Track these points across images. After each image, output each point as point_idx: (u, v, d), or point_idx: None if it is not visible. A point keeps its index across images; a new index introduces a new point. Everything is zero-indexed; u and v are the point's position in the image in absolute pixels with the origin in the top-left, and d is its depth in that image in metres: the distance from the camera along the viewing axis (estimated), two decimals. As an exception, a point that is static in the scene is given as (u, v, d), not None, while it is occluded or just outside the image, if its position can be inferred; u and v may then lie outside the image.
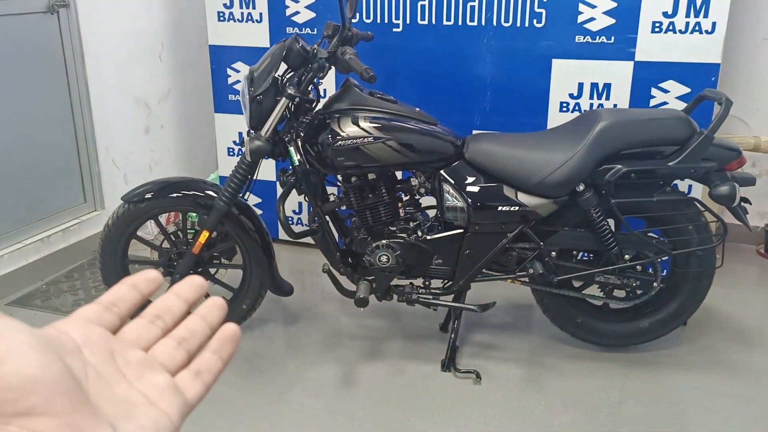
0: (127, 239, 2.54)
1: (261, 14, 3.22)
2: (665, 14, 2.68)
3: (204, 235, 2.43)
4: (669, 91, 2.77)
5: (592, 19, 2.77)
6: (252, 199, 3.38)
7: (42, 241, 3.13)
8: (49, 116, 3.15)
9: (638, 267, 2.43)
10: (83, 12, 3.20)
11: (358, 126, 2.26)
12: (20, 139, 3.02)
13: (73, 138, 3.29)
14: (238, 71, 3.33)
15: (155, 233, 3.05)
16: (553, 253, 2.41)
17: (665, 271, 2.59)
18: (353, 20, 3.02)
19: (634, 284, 2.44)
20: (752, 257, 3.46)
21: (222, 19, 3.28)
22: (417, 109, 2.38)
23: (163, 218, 2.66)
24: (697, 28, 2.66)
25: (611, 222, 2.40)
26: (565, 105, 2.93)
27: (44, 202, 3.18)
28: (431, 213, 2.52)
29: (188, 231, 2.56)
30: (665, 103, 2.78)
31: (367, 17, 3.07)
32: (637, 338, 2.57)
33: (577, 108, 2.91)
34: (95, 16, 3.26)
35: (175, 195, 2.48)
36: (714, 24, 2.64)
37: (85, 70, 3.25)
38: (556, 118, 2.91)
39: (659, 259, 2.40)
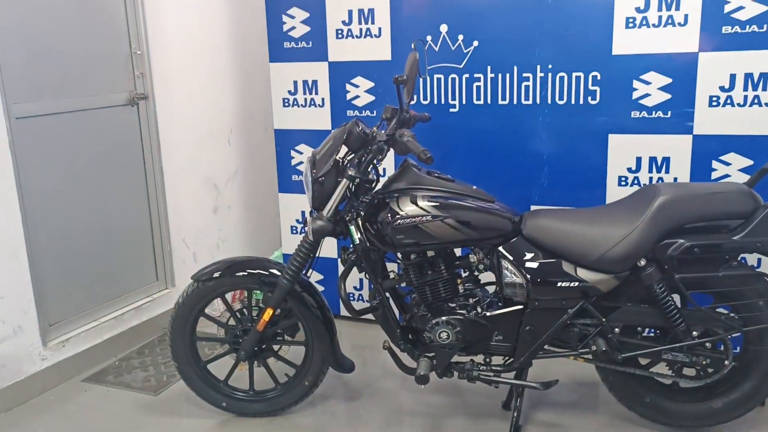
0: (195, 316, 2.63)
1: (323, 99, 3.38)
2: (722, 88, 2.69)
3: (268, 313, 2.50)
4: (731, 164, 2.75)
5: (647, 95, 2.80)
6: (314, 276, 3.46)
7: (116, 318, 3.27)
8: (126, 200, 3.34)
9: (708, 344, 2.35)
10: (160, 102, 3.43)
11: (417, 205, 2.32)
12: (99, 222, 3.21)
13: (147, 219, 3.47)
14: (301, 153, 3.48)
15: (222, 310, 3.14)
16: (617, 329, 2.37)
17: (737, 348, 2.50)
18: (411, 102, 3.15)
19: (704, 362, 2.36)
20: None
21: (287, 105, 3.45)
22: (474, 187, 2.43)
23: (229, 296, 2.75)
24: (756, 101, 2.66)
25: (677, 298, 2.36)
26: (623, 179, 2.93)
27: (119, 281, 3.34)
28: (491, 289, 2.53)
29: (253, 308, 2.63)
30: (728, 175, 2.75)
31: (425, 98, 3.18)
32: (709, 419, 2.46)
33: (636, 182, 2.90)
34: (171, 106, 3.49)
35: (241, 274, 2.57)
36: (773, 97, 2.63)
37: (160, 155, 3.45)
38: (614, 193, 2.91)
39: (730, 336, 2.32)
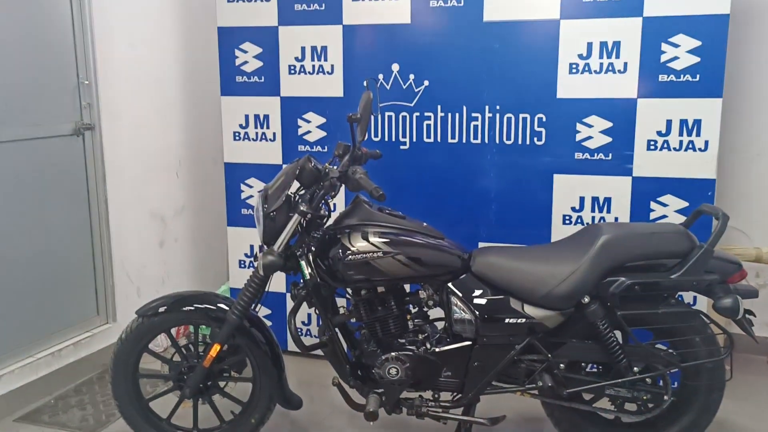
0: (139, 353, 2.56)
1: (275, 133, 3.39)
2: (659, 133, 2.82)
3: (215, 348, 2.46)
4: (668, 205, 2.87)
5: (589, 137, 2.91)
6: (262, 311, 3.42)
7: (53, 354, 3.16)
8: (68, 231, 3.26)
9: (648, 380, 2.42)
10: (107, 133, 3.38)
11: (368, 241, 2.33)
12: (38, 254, 3.11)
13: (89, 252, 3.39)
14: (251, 186, 3.47)
15: (166, 346, 3.07)
16: (562, 365, 2.41)
17: (675, 383, 2.57)
18: (363, 139, 3.19)
19: (645, 397, 2.42)
20: (763, 368, 3.43)
21: (237, 138, 3.45)
22: (424, 224, 2.46)
23: (174, 331, 2.69)
24: (690, 146, 2.79)
25: (619, 334, 2.42)
26: (568, 218, 3.02)
27: (58, 316, 3.23)
28: (440, 325, 2.55)
29: (200, 344, 2.58)
30: (665, 216, 2.87)
31: (376, 135, 3.22)
32: (651, 453, 2.52)
33: (579, 221, 3.00)
34: (118, 137, 3.44)
35: (187, 308, 2.53)
36: (706, 142, 2.77)
37: (105, 187, 3.39)
38: (559, 231, 2.99)
39: (669, 372, 2.40)
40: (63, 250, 3.24)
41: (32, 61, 3.02)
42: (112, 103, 3.40)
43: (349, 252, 2.33)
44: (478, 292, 2.38)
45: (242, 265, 3.57)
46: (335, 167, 2.43)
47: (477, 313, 2.37)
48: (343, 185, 2.40)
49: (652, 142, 2.84)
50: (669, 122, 2.81)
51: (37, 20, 3.03)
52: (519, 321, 2.36)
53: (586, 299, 2.33)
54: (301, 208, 2.35)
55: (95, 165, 3.35)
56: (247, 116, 3.42)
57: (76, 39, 3.21)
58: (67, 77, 3.20)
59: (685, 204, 2.84)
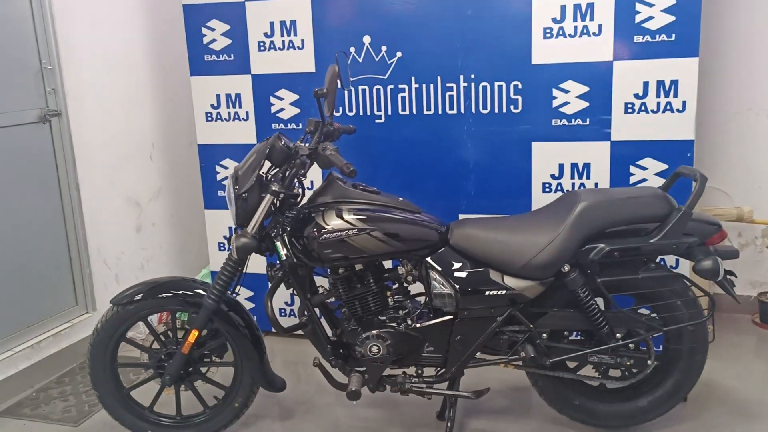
0: (116, 342, 2.53)
1: (247, 112, 3.32)
2: (636, 95, 2.78)
3: (193, 334, 2.42)
4: (647, 168, 2.83)
5: (566, 103, 2.86)
6: (244, 293, 3.39)
7: (33, 347, 3.11)
8: (40, 222, 3.19)
9: (631, 345, 2.41)
10: (74, 119, 3.29)
11: (342, 218, 2.29)
12: (11, 246, 3.05)
13: (64, 241, 3.33)
14: (226, 168, 3.41)
15: (145, 334, 3.03)
16: (544, 335, 2.40)
17: (659, 347, 2.57)
18: (336, 114, 3.13)
19: (629, 363, 2.41)
20: (748, 327, 3.44)
21: (210, 119, 3.38)
22: (400, 198, 2.42)
23: (154, 318, 2.65)
24: (668, 107, 2.75)
25: (601, 301, 2.41)
26: (547, 186, 2.98)
27: (35, 307, 3.18)
28: (421, 300, 2.53)
29: (178, 330, 2.55)
30: (645, 179, 2.84)
31: (350, 110, 3.16)
32: (637, 418, 2.52)
33: (559, 188, 2.96)
34: (86, 122, 3.36)
35: (164, 295, 2.49)
36: (684, 103, 2.73)
37: (76, 174, 3.32)
38: (539, 199, 2.96)
39: (651, 336, 2.39)
40: (37, 241, 3.17)
41: (-9, 48, 2.93)
42: (77, 88, 3.31)
43: (324, 230, 2.29)
44: (457, 266, 2.36)
45: (222, 248, 3.53)
46: (306, 144, 2.38)
47: (457, 286, 2.35)
48: (315, 163, 2.35)
49: (630, 105, 2.80)
50: (646, 84, 2.77)
51: (-6, 5, 2.94)
52: (499, 293, 2.34)
53: (566, 268, 2.31)
54: (273, 188, 2.30)
55: (64, 152, 3.27)
56: (218, 96, 3.34)
57: (36, 22, 3.11)
58: (28, 63, 3.11)
59: (664, 166, 2.81)
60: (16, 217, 3.06)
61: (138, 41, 3.70)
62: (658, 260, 2.45)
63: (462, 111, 3.01)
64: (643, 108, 2.78)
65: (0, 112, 2.97)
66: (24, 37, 3.08)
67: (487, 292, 2.34)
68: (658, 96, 2.75)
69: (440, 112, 3.04)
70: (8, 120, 3.01)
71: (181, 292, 2.50)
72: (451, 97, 3.02)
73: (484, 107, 2.99)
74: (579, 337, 2.51)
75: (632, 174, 2.85)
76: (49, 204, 3.24)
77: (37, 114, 3.14)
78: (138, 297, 2.46)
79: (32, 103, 3.13)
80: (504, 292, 2.33)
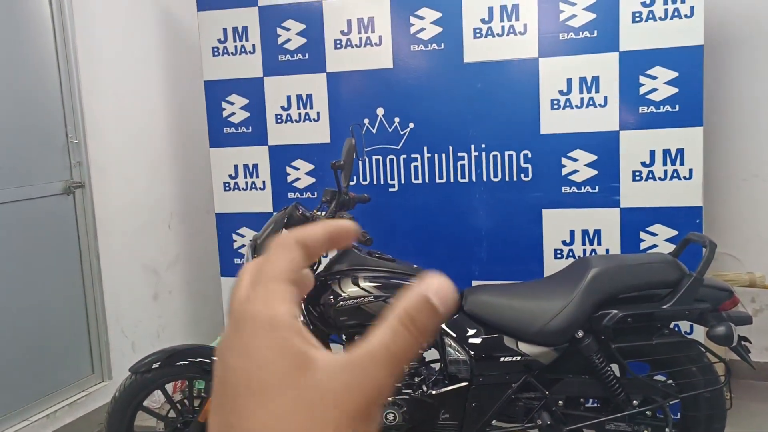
0: (133, 410, 2.53)
1: (264, 182, 3.41)
2: (643, 164, 2.85)
3: (211, 403, 2.43)
4: (657, 234, 2.88)
5: (575, 171, 2.94)
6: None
7: (48, 417, 3.12)
8: (60, 290, 3.25)
9: (648, 413, 2.40)
10: (97, 190, 3.39)
11: (359, 286, 2.33)
12: (31, 315, 3.10)
13: (83, 310, 3.37)
14: (243, 236, 3.48)
15: (161, 402, 3.04)
16: (560, 401, 2.40)
17: (677, 415, 2.55)
18: (351, 184, 3.21)
19: (646, 430, 2.39)
20: (766, 394, 3.39)
21: (228, 188, 3.47)
22: (415, 266, 2.47)
23: (169, 386, 2.67)
24: (675, 175, 2.81)
25: (615, 367, 2.41)
26: (559, 252, 3.02)
27: (52, 376, 3.20)
28: (436, 366, 2.54)
29: (195, 398, 2.56)
30: (655, 245, 2.87)
31: (364, 179, 3.25)
32: (656, 487, 2.48)
33: (571, 254, 3.00)
34: (108, 193, 3.46)
35: (181, 363, 2.51)
36: (691, 170, 2.79)
37: (96, 243, 3.39)
38: (551, 265, 2.99)
39: (668, 404, 2.38)
40: (56, 309, 3.22)
41: (20, 123, 3.05)
42: (101, 160, 3.42)
43: (340, 298, 2.33)
44: (471, 332, 2.38)
45: (237, 315, 3.55)
46: (322, 213, 2.44)
47: (472, 352, 2.36)
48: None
49: (638, 173, 2.87)
50: (652, 152, 2.84)
51: (24, 82, 3.08)
52: (514, 359, 2.35)
53: (580, 334, 2.32)
54: (291, 256, 2.35)
55: (86, 222, 3.36)
56: (236, 166, 3.44)
57: (64, 98, 3.25)
58: (55, 137, 3.23)
59: (674, 232, 2.85)
60: (36, 286, 3.12)
61: (160, 114, 3.85)
62: (672, 326, 2.46)
63: (473, 179, 3.09)
64: (650, 176, 2.85)
65: (27, 184, 3.07)
66: (52, 112, 3.21)
67: (502, 358, 2.36)
68: (665, 164, 2.82)
69: (452, 180, 3.12)
70: (35, 192, 3.11)
71: (198, 359, 2.52)
72: (462, 165, 3.10)
73: (495, 175, 3.06)
74: (595, 404, 2.50)
75: (642, 240, 2.89)
76: (70, 273, 3.31)
77: (61, 186, 3.25)
78: (156, 365, 2.49)
79: (57, 175, 3.24)
80: (519, 358, 2.34)
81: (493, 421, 2.43)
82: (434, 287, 0.38)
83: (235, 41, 3.33)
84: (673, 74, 2.77)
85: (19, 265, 3.04)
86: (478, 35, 3.00)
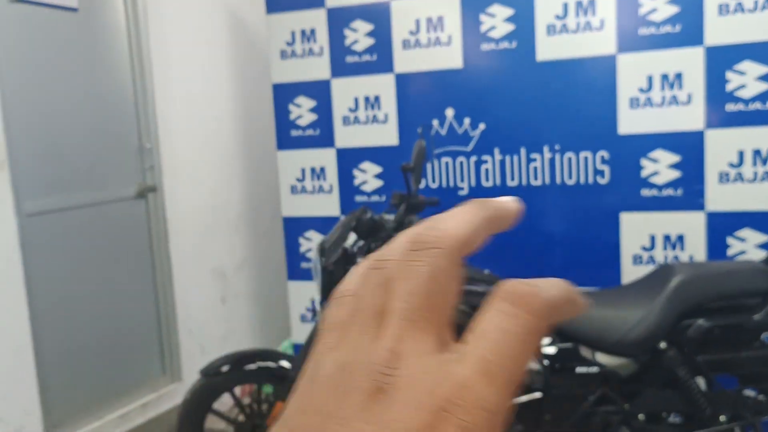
0: (203, 413, 2.54)
1: (331, 185, 3.39)
2: (731, 165, 2.68)
3: (279, 407, 2.42)
4: (746, 240, 2.70)
5: (656, 173, 2.79)
6: (326, 365, 3.38)
7: (121, 417, 3.18)
8: (133, 292, 3.31)
9: (737, 429, 2.25)
10: (169, 193, 3.45)
11: (428, 291, 2.27)
12: (106, 316, 3.16)
13: (154, 312, 3.43)
14: (309, 240, 3.46)
15: (230, 405, 3.05)
16: (641, 416, 2.27)
17: (768, 432, 2.38)
18: (420, 187, 3.15)
19: (735, 449, 2.25)
20: None
21: (295, 192, 3.46)
22: (486, 271, 2.39)
23: (238, 390, 2.67)
24: (766, 176, 2.64)
25: (701, 380, 2.27)
26: (638, 258, 2.88)
27: (125, 377, 3.26)
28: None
29: (263, 403, 2.55)
30: (744, 252, 2.70)
31: (433, 182, 3.18)
32: None
33: (651, 260, 2.86)
34: (179, 196, 3.51)
35: (250, 367, 2.51)
36: (783, 171, 2.61)
37: (168, 246, 3.44)
38: (630, 272, 2.86)
39: (760, 420, 2.22)
40: (129, 312, 3.29)
41: (96, 128, 3.12)
42: (173, 164, 3.48)
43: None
44: (545, 341, 2.28)
45: (304, 320, 3.55)
46: (391, 217, 2.39)
47: (546, 362, 2.27)
48: (401, 235, 2.36)
49: (725, 175, 2.70)
50: (741, 153, 2.67)
51: (99, 87, 3.15)
52: (591, 370, 2.24)
53: (663, 345, 2.19)
54: (359, 261, 2.31)
55: (158, 225, 3.42)
56: (303, 169, 3.43)
57: (138, 105, 3.32)
58: (130, 142, 3.30)
59: (765, 238, 2.67)
60: (110, 287, 3.19)
61: (228, 118, 3.88)
62: (762, 338, 2.30)
63: (547, 182, 2.98)
64: (739, 177, 2.68)
65: (102, 188, 3.15)
66: (126, 117, 3.28)
67: (577, 369, 2.25)
68: (754, 165, 2.65)
69: (525, 183, 3.02)
70: (110, 196, 3.18)
71: (266, 364, 2.51)
72: (535, 168, 3.00)
73: (570, 178, 2.95)
74: (678, 420, 2.36)
75: (730, 246, 2.73)
76: (142, 275, 3.37)
77: (135, 190, 3.31)
78: (225, 368, 2.49)
79: (131, 179, 3.30)
80: (596, 369, 2.24)
81: (569, 435, 2.33)
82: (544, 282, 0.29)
83: (303, 43, 3.32)
84: (764, 69, 2.60)
85: (94, 268, 3.11)
86: (551, 32, 2.89)
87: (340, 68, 3.29)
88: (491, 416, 0.25)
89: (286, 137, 3.46)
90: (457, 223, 0.29)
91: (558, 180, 2.95)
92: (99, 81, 3.14)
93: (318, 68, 3.33)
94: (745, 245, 2.70)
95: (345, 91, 3.30)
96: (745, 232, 2.70)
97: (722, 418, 2.23)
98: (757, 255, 2.58)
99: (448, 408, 0.25)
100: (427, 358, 0.26)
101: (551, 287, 0.28)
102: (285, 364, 2.48)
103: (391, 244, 0.29)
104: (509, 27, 2.96)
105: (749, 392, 2.27)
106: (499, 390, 0.26)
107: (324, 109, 3.36)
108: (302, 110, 3.40)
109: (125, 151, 3.28)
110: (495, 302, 0.28)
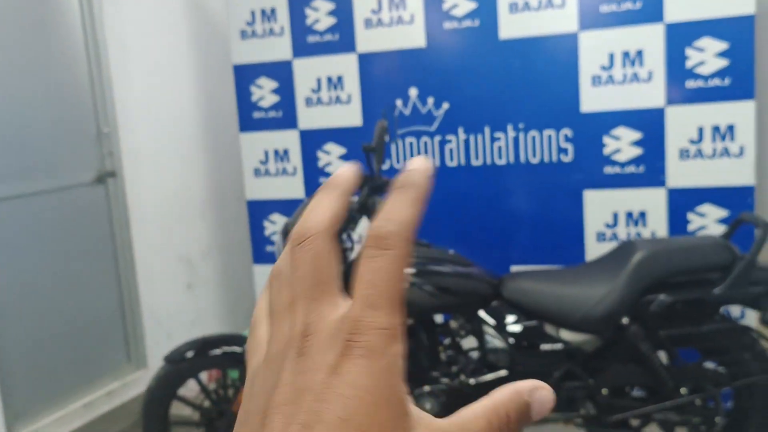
0: (169, 400, 2.51)
1: (295, 167, 3.35)
2: (691, 141, 2.71)
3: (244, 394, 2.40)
4: (706, 215, 2.74)
5: (618, 150, 2.81)
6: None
7: (86, 405, 3.13)
8: (94, 280, 3.25)
9: (698, 401, 2.29)
10: (129, 179, 3.38)
11: (393, 273, 2.26)
12: (66, 305, 3.10)
13: (118, 299, 3.37)
14: (274, 223, 3.43)
15: (196, 391, 3.02)
16: (605, 390, 2.30)
17: (729, 404, 2.43)
18: (383, 167, 3.13)
19: (696, 420, 2.28)
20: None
21: (258, 174, 3.42)
22: (451, 251, 2.38)
23: (204, 376, 2.64)
24: (725, 152, 2.67)
25: (663, 354, 2.30)
26: (602, 235, 2.91)
27: (88, 365, 3.21)
28: (475, 355, 2.46)
29: (229, 388, 2.53)
30: (704, 227, 2.74)
31: (397, 162, 3.16)
32: (707, 480, 2.37)
33: (614, 237, 2.88)
34: (140, 182, 3.44)
35: (215, 352, 2.48)
36: (742, 148, 2.65)
37: (129, 232, 3.38)
38: (594, 249, 2.88)
39: (719, 392, 2.26)
40: (90, 299, 3.23)
41: (52, 114, 3.04)
42: (132, 149, 3.40)
43: (374, 285, 2.26)
44: (511, 319, 2.30)
45: (271, 303, 3.52)
46: (355, 198, 2.37)
47: (511, 340, 2.28)
48: (365, 216, 2.34)
49: (685, 151, 2.73)
50: (701, 129, 2.70)
51: (55, 74, 3.06)
52: (555, 347, 2.26)
53: (625, 320, 2.22)
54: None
55: (119, 211, 3.35)
56: (266, 152, 3.39)
57: (95, 89, 3.23)
58: (87, 127, 3.22)
59: (725, 213, 2.71)
60: (71, 276, 3.13)
61: (190, 101, 3.81)
62: (722, 311, 2.34)
63: (511, 161, 2.98)
64: (699, 153, 2.71)
65: (59, 174, 3.07)
66: (83, 104, 3.20)
67: (542, 347, 2.27)
68: (714, 141, 2.68)
69: (489, 162, 3.02)
70: (67, 182, 3.10)
71: (231, 348, 2.49)
72: (499, 147, 3.00)
73: (534, 156, 2.95)
74: (642, 394, 2.39)
75: (690, 221, 2.76)
76: (104, 263, 3.31)
77: (93, 175, 3.24)
78: (190, 354, 2.46)
79: (89, 165, 3.23)
80: (560, 346, 2.26)
81: (535, 411, 2.34)
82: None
83: (263, 23, 3.26)
84: (723, 45, 2.62)
85: (54, 255, 3.04)
86: (514, 10, 2.88)
87: (301, 48, 3.24)
88: (386, 332, 0.31)
89: (249, 119, 3.41)
90: (320, 212, 0.35)
91: (522, 158, 2.96)
92: (53, 65, 3.05)
93: (279, 48, 3.27)
94: (706, 220, 2.74)
95: (307, 72, 3.25)
96: (705, 208, 2.74)
97: (683, 390, 2.26)
98: (717, 230, 2.62)
99: (351, 339, 0.31)
100: (329, 318, 0.32)
101: (402, 208, 0.34)
102: (250, 348, 2.46)
103: (281, 255, 0.36)
104: (472, 5, 2.94)
105: (710, 365, 2.31)
106: (386, 311, 0.31)
107: (286, 90, 3.31)
108: (264, 91, 3.35)
109: (82, 136, 3.20)
110: (363, 251, 0.33)
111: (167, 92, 3.65)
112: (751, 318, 2.68)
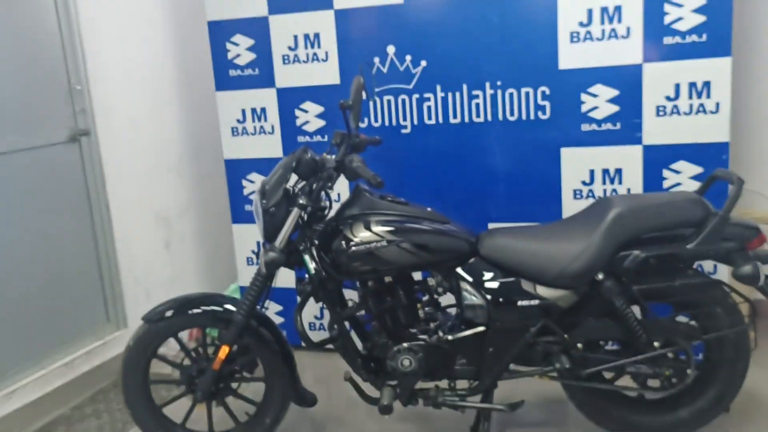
0: (148, 359, 2.52)
1: (273, 126, 3.32)
2: (668, 98, 2.72)
3: (224, 350, 2.41)
4: (681, 172, 2.77)
5: (595, 108, 2.81)
6: (273, 308, 3.38)
7: (66, 365, 3.13)
8: (71, 239, 3.22)
9: (670, 354, 2.34)
10: (103, 137, 3.32)
11: (371, 230, 2.27)
12: (43, 265, 3.08)
13: (95, 258, 3.35)
14: (253, 182, 3.41)
15: (176, 350, 3.04)
16: (580, 345, 2.34)
17: (699, 356, 2.49)
18: (361, 125, 3.11)
19: (668, 372, 2.34)
20: (791, 333, 3.32)
21: (236, 134, 3.38)
22: (429, 209, 2.39)
23: (185, 334, 2.65)
24: (701, 109, 2.69)
25: (637, 309, 2.35)
26: (578, 192, 2.93)
27: (68, 325, 3.20)
28: (452, 312, 2.49)
29: (208, 346, 2.54)
30: (679, 183, 2.77)
31: (376, 121, 3.14)
32: (678, 429, 2.45)
33: (591, 195, 2.91)
34: (115, 140, 3.39)
35: (194, 311, 2.48)
36: (718, 104, 2.66)
37: (105, 191, 3.35)
38: (570, 206, 2.91)
39: (691, 345, 2.32)
40: (68, 259, 3.20)
41: (20, 71, 2.97)
42: (106, 106, 3.34)
43: (352, 243, 2.27)
44: (488, 276, 2.32)
45: (250, 263, 3.52)
46: (332, 157, 2.36)
47: (488, 297, 2.31)
48: (342, 175, 2.34)
49: (661, 108, 2.74)
50: (677, 86, 2.71)
51: (23, 30, 2.98)
52: (532, 303, 2.29)
53: (600, 276, 2.25)
54: (301, 202, 2.29)
55: (94, 170, 3.31)
56: (243, 110, 3.35)
57: (65, 44, 3.15)
58: (58, 84, 3.15)
59: (699, 170, 2.74)
60: (47, 236, 3.09)
61: (164, 58, 3.74)
62: (695, 266, 2.38)
63: (489, 118, 2.98)
64: (675, 110, 2.72)
65: (31, 133, 3.01)
66: (54, 60, 3.12)
67: (519, 303, 2.30)
68: (690, 98, 2.69)
69: (467, 120, 3.01)
70: (39, 141, 3.05)
71: (211, 307, 2.50)
72: (477, 104, 2.98)
73: (512, 114, 2.95)
74: (615, 347, 2.45)
75: (666, 178, 2.79)
76: (80, 222, 3.27)
77: (67, 134, 3.18)
78: (169, 313, 2.46)
79: (62, 123, 3.17)
80: (537, 302, 2.29)
81: (511, 366, 2.39)
82: None
83: (237, -22, 3.19)
84: (701, 1, 2.61)
85: (29, 215, 3.01)
86: (492, -35, 2.84)
87: (278, 4, 3.18)
88: None
89: (225, 78, 3.35)
90: None
91: (500, 116, 2.95)
92: (20, 20, 2.97)
93: (255, 4, 3.21)
94: (680, 177, 2.77)
95: (284, 29, 3.20)
96: (680, 165, 2.76)
97: (656, 344, 2.32)
98: (692, 186, 2.64)
99: None
100: None
101: None
102: (230, 307, 2.47)
103: None
104: (450, -40, 2.89)
105: (682, 319, 2.36)
106: None
107: (263, 47, 3.26)
108: (240, 49, 3.29)
109: (53, 94, 3.13)
110: None
111: (140, 48, 3.57)
112: (723, 273, 2.73)
